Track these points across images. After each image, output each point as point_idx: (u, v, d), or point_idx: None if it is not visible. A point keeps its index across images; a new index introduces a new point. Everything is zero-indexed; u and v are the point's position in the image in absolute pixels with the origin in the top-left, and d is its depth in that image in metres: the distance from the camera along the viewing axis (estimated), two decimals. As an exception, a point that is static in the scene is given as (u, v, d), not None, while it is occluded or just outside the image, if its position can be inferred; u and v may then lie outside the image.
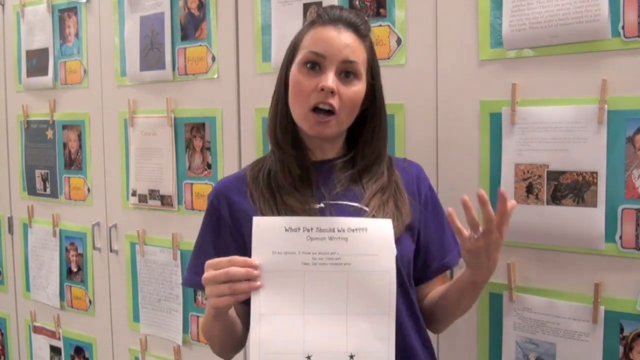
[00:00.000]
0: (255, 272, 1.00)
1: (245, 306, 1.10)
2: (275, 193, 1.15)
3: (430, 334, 1.25)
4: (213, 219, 1.21)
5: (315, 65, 1.11)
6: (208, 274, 1.01)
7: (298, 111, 1.14)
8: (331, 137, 1.17)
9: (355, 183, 1.18)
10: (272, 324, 1.00)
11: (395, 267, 1.04)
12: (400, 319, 1.09)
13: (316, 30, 1.13)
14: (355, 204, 1.15)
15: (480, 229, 1.00)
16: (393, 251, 1.03)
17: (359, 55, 1.12)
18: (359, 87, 1.13)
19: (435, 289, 1.24)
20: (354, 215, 1.12)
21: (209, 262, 1.03)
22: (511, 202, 1.01)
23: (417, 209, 1.19)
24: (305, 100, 1.11)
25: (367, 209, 1.13)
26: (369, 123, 1.19)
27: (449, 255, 1.23)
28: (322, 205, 1.14)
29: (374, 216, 1.11)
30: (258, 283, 1.00)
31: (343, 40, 1.11)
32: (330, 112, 1.11)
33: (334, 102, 1.10)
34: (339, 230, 1.02)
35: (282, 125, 1.17)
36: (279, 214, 1.12)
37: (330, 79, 1.09)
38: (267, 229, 1.02)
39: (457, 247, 1.24)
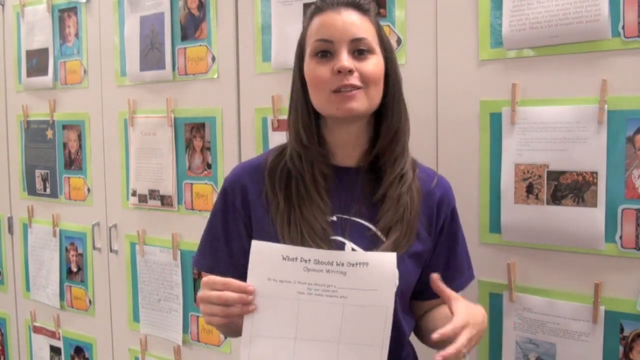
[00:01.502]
0: (249, 297, 1.00)
1: None
2: (294, 200, 1.11)
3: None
4: (226, 206, 1.19)
5: (325, 53, 1.08)
6: (203, 294, 1.02)
7: (320, 98, 1.09)
8: (362, 113, 1.09)
9: (373, 193, 1.13)
10: (263, 346, 1.00)
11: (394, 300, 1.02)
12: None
13: (316, 20, 1.10)
14: (367, 224, 1.11)
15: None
16: (393, 286, 1.00)
17: (366, 31, 1.08)
18: (376, 60, 1.09)
19: (431, 314, 1.20)
20: (364, 234, 1.10)
21: (204, 280, 1.03)
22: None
23: (429, 237, 1.15)
24: (324, 86, 1.07)
25: (375, 229, 1.10)
26: (385, 100, 1.12)
27: (453, 282, 1.17)
28: (334, 218, 1.11)
29: (380, 239, 1.09)
30: (251, 307, 1.00)
31: (346, 19, 1.07)
32: (355, 87, 1.07)
33: (355, 81, 1.06)
34: (337, 264, 0.99)
35: (305, 125, 1.12)
36: (289, 226, 1.09)
37: (344, 60, 1.05)
38: (264, 255, 1.01)
39: (467, 273, 1.22)
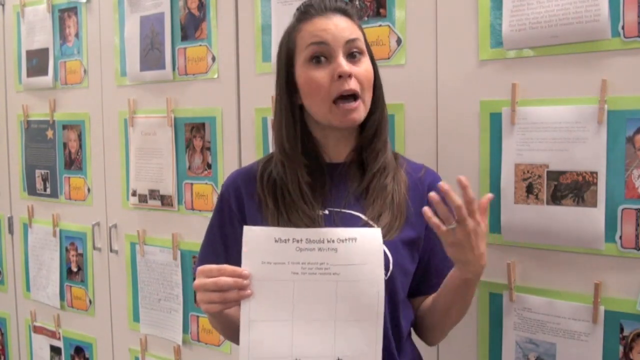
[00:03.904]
0: (245, 282, 1.01)
1: None
2: (280, 206, 1.14)
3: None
4: (222, 211, 1.22)
5: (320, 57, 1.10)
6: (198, 281, 1.03)
7: (321, 107, 1.11)
8: (360, 122, 1.14)
9: (362, 187, 1.16)
10: (261, 329, 1.02)
11: (388, 275, 1.05)
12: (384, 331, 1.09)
13: (306, 26, 1.12)
14: (359, 214, 1.13)
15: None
16: (381, 260, 1.03)
17: (357, 33, 1.13)
18: (368, 63, 1.13)
19: (427, 304, 1.22)
20: (356, 224, 1.12)
21: (200, 268, 1.04)
22: (487, 196, 1.03)
23: (422, 224, 1.16)
24: (325, 94, 1.09)
25: (366, 218, 1.12)
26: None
27: (446, 274, 1.19)
28: (326, 212, 1.13)
29: (372, 226, 1.11)
30: (247, 292, 1.02)
31: (336, 23, 1.11)
32: (354, 96, 1.10)
33: (355, 85, 1.09)
34: (328, 241, 1.02)
35: (289, 133, 1.14)
36: (282, 226, 1.12)
37: (343, 64, 1.08)
38: (257, 239, 1.03)
39: None
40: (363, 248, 1.03)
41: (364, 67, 1.11)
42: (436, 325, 1.22)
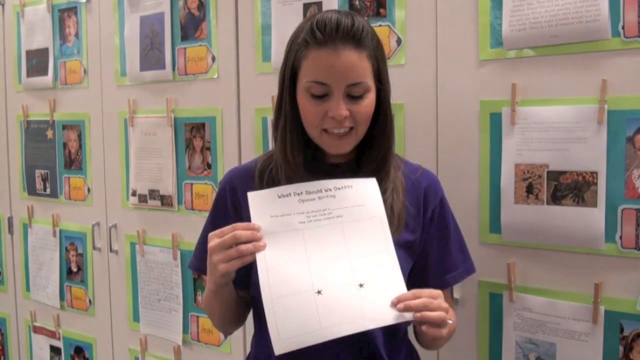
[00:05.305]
0: (259, 233, 1.05)
1: (245, 290, 1.17)
2: None
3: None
4: (219, 208, 1.23)
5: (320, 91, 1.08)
6: (214, 242, 1.05)
7: (311, 132, 1.12)
8: (348, 151, 1.14)
9: None
10: (279, 272, 1.05)
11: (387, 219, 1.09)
12: (375, 341, 1.11)
13: (313, 55, 1.06)
14: None
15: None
16: (380, 201, 1.10)
17: (363, 71, 1.07)
18: (369, 99, 1.09)
19: None
20: None
21: (212, 233, 1.06)
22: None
23: (418, 227, 1.17)
24: (317, 124, 1.10)
25: None
26: (374, 127, 1.15)
27: (448, 274, 1.20)
28: None
29: None
30: (262, 244, 1.04)
31: (344, 62, 1.05)
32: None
33: (348, 124, 1.09)
34: (326, 190, 1.10)
35: (294, 149, 1.13)
36: None
37: (339, 107, 1.06)
38: (262, 200, 1.09)
39: (464, 265, 1.23)
40: (359, 193, 1.11)
41: (363, 104, 1.08)
42: (428, 346, 1.22)
